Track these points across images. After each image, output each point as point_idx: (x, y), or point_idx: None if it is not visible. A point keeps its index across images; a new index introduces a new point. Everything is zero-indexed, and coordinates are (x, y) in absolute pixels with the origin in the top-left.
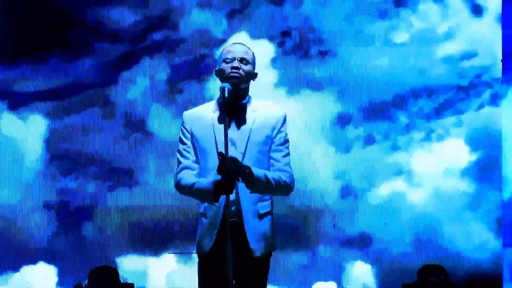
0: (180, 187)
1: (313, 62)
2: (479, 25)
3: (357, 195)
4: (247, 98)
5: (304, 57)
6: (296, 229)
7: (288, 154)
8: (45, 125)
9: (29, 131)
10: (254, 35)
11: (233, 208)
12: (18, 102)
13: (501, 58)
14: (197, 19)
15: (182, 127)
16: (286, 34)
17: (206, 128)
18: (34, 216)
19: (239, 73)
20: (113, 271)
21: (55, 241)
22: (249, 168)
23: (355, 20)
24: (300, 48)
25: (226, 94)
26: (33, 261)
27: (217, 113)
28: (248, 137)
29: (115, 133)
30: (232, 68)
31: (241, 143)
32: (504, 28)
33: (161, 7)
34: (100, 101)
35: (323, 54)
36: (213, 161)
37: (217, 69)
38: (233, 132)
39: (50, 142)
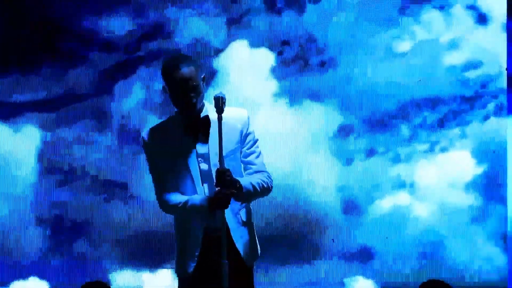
0: (170, 208)
1: (314, 72)
2: (484, 34)
3: (359, 208)
4: (204, 108)
5: (304, 67)
6: (295, 243)
7: (260, 153)
8: (37, 136)
9: (21, 142)
10: (253, 44)
11: (218, 220)
12: (10, 113)
13: (505, 67)
14: (194, 28)
15: (146, 147)
16: (286, 43)
17: (172, 146)
18: (26, 230)
19: (195, 99)
20: (106, 287)
21: (47, 255)
22: (238, 181)
23: (357, 30)
24: (301, 58)
25: (220, 104)
26: (25, 276)
27: (181, 130)
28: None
29: (109, 144)
30: (186, 99)
31: (214, 156)
32: (509, 37)
33: (156, 16)
34: (94, 111)
35: (324, 64)
36: (185, 180)
37: (166, 88)
38: (202, 146)
39: (42, 153)
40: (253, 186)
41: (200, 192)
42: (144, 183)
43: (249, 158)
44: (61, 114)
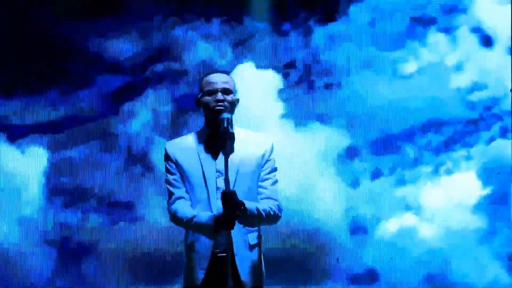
0: (177, 219)
1: (320, 94)
2: (489, 56)
3: (365, 230)
4: (231, 128)
5: (311, 88)
6: (301, 264)
7: (276, 182)
8: (45, 158)
9: (28, 164)
10: (260, 66)
11: (224, 241)
12: (17, 135)
13: (510, 89)
14: (200, 50)
15: (166, 158)
16: (292, 65)
17: (192, 159)
18: (34, 252)
19: (223, 105)
20: None
21: (55, 277)
22: (243, 203)
23: (363, 52)
24: (307, 80)
25: (226, 124)
26: None
27: (202, 145)
28: (238, 168)
29: (116, 166)
30: (217, 101)
31: (231, 174)
32: None
33: (163, 38)
34: (100, 133)
35: (330, 86)
36: (201, 194)
37: (199, 99)
38: (221, 163)
39: (49, 175)
40: (258, 211)
41: (214, 207)
42: (151, 204)
43: (264, 183)
44: (68, 136)
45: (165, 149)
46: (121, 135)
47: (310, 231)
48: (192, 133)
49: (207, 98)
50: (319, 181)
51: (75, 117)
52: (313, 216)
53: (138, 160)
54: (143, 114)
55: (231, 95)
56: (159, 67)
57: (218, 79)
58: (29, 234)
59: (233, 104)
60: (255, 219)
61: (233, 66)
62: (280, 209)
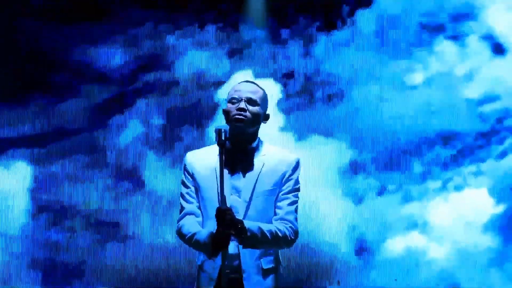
0: (181, 235)
1: (322, 105)
2: (501, 65)
3: (369, 249)
4: (256, 142)
5: (312, 99)
6: (303, 283)
7: (295, 203)
8: (28, 173)
9: (12, 180)
10: (258, 76)
11: (235, 263)
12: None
13: None
14: (195, 58)
15: (184, 169)
16: (292, 75)
17: (209, 173)
18: (19, 274)
19: (244, 116)
20: None
21: None
22: (241, 222)
23: (367, 62)
24: (307, 90)
25: (223, 138)
26: None
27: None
28: (254, 185)
29: (104, 182)
30: (238, 109)
31: (246, 191)
32: None
33: (154, 46)
34: (87, 147)
35: (332, 97)
36: (213, 211)
37: (224, 109)
38: (238, 179)
39: (33, 192)
40: (262, 232)
41: None
42: (140, 224)
43: (281, 203)
44: (52, 150)
45: (184, 160)
46: (109, 149)
47: (310, 249)
48: (214, 145)
49: (230, 106)
50: (322, 198)
51: (60, 130)
52: (314, 233)
53: (127, 176)
54: (133, 127)
55: (257, 107)
56: (150, 77)
57: (244, 88)
58: (14, 254)
59: (257, 117)
60: (258, 240)
61: (229, 76)
62: (292, 232)
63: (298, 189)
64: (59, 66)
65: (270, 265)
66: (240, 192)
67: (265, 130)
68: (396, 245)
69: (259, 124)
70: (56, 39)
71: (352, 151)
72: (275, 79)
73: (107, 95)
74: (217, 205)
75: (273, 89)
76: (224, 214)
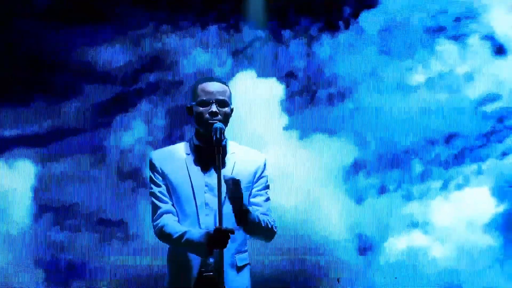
0: (164, 235)
1: (325, 105)
2: (502, 65)
3: (371, 248)
4: (224, 140)
5: (315, 99)
6: (304, 283)
7: (269, 199)
8: (32, 173)
9: (16, 179)
10: (260, 75)
11: (211, 260)
12: (2, 148)
13: None
14: (197, 58)
15: (152, 168)
16: (295, 74)
17: (180, 171)
18: (22, 273)
19: (217, 120)
20: None
21: None
22: (245, 205)
23: (369, 62)
24: (310, 90)
25: (219, 135)
26: None
27: (191, 156)
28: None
29: (107, 182)
30: (210, 114)
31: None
32: None
33: (156, 46)
34: (90, 147)
35: (335, 97)
36: (189, 208)
37: (190, 107)
38: (210, 177)
39: (36, 191)
40: (259, 219)
41: (203, 223)
42: (143, 222)
43: (256, 199)
44: (55, 150)
45: (151, 159)
46: (111, 149)
47: (311, 248)
48: (182, 143)
49: (201, 108)
50: (323, 197)
51: (62, 130)
52: (314, 232)
53: (130, 175)
54: (136, 127)
55: (227, 108)
56: (152, 77)
57: (214, 89)
58: (18, 253)
59: (228, 116)
60: (255, 226)
61: (231, 75)
62: (276, 226)
63: (269, 186)
64: (63, 67)
65: (244, 262)
66: (214, 190)
67: (268, 130)
68: (397, 244)
69: (228, 122)
70: (59, 40)
71: (354, 150)
72: (278, 79)
73: (110, 95)
74: (192, 201)
75: (276, 89)
76: (226, 238)
